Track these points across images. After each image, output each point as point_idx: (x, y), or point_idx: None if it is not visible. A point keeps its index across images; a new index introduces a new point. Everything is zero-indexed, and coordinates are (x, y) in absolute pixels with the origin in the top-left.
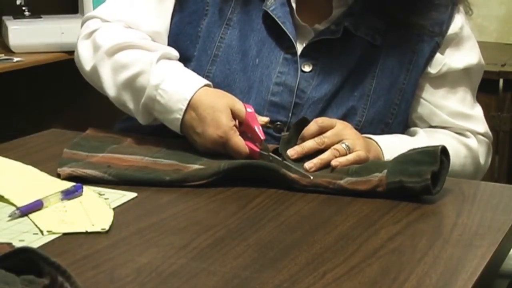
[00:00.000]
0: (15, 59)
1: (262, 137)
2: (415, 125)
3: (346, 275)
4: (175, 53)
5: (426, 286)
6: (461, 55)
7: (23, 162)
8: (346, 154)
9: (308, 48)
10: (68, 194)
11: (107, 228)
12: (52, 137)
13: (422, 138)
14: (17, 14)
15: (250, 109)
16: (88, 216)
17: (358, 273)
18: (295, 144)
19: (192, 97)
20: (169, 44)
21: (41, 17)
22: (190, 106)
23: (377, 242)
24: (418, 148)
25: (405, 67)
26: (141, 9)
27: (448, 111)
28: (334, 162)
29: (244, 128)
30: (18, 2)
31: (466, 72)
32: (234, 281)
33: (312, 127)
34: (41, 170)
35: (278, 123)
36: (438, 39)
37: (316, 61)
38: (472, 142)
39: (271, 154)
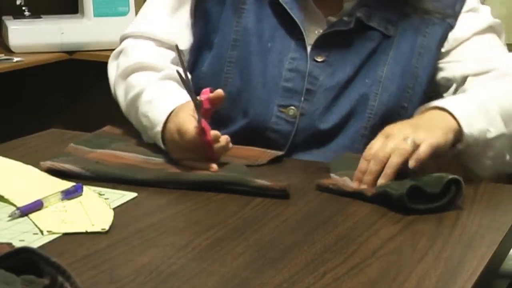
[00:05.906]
0: (15, 59)
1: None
2: (448, 89)
3: (346, 275)
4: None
5: (426, 286)
6: (470, 24)
7: (23, 162)
8: (414, 150)
9: (321, 39)
10: (68, 194)
11: (107, 228)
12: (52, 137)
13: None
14: (17, 14)
15: (203, 97)
16: (88, 216)
17: (358, 273)
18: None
19: (172, 111)
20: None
21: (41, 17)
22: (167, 128)
23: (377, 242)
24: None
25: (416, 50)
26: (158, 20)
27: (471, 59)
28: (411, 163)
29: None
30: (18, 2)
31: (486, 30)
32: (234, 281)
33: (363, 165)
34: (41, 170)
35: (292, 107)
36: (451, 21)
37: (329, 52)
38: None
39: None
